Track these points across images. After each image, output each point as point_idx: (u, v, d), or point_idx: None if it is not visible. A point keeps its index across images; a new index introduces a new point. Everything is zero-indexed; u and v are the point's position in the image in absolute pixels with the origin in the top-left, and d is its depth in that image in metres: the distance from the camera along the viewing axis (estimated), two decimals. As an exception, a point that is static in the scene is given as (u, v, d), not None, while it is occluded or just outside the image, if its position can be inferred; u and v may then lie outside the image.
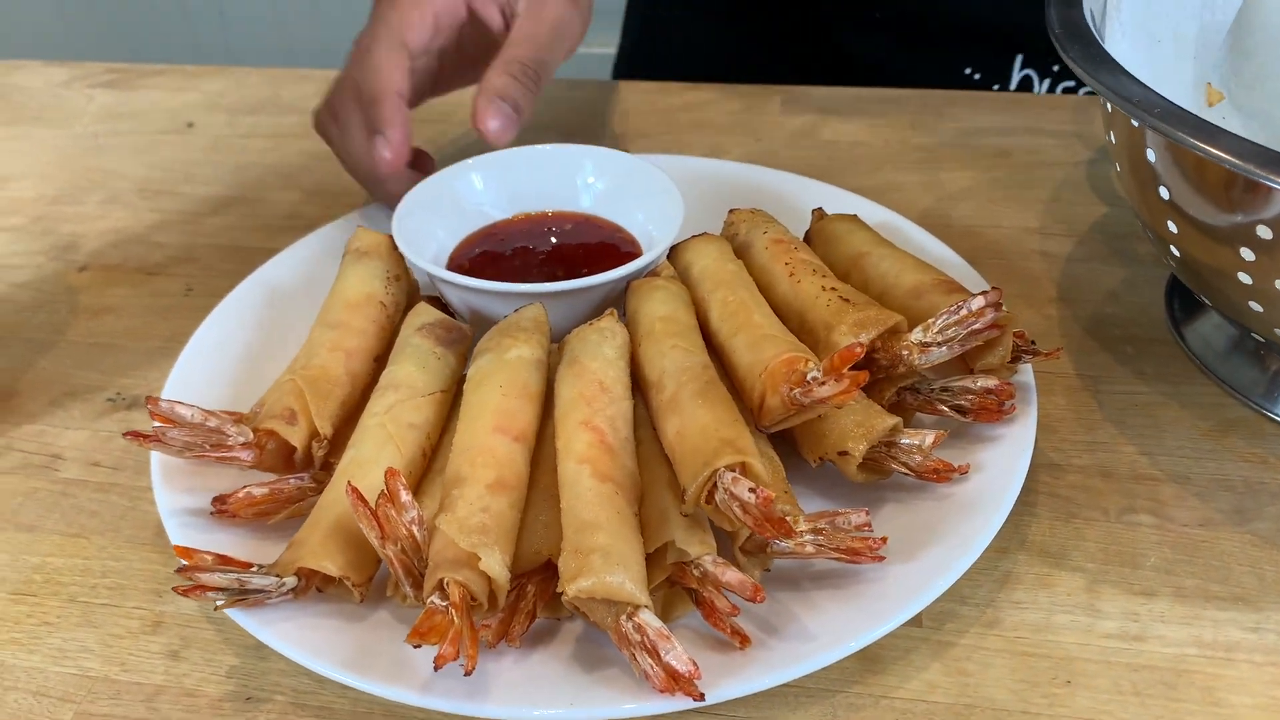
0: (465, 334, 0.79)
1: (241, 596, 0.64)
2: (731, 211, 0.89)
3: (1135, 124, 0.73)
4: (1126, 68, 0.73)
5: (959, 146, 1.13)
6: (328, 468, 0.73)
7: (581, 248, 0.88)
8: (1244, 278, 0.71)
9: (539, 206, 0.92)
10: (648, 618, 0.61)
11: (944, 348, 0.72)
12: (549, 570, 0.66)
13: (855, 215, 0.89)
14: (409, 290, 0.86)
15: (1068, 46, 0.75)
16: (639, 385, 0.75)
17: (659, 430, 0.70)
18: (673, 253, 0.84)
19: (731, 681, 0.61)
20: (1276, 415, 0.80)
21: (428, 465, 0.73)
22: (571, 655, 0.65)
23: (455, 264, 0.87)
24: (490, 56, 0.93)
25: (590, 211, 0.91)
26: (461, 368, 0.79)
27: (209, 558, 0.65)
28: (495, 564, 0.62)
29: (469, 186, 0.91)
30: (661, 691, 0.60)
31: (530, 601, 0.65)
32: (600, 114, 1.21)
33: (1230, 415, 0.81)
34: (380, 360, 0.79)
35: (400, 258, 0.85)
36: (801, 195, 0.97)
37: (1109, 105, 0.78)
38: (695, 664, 0.59)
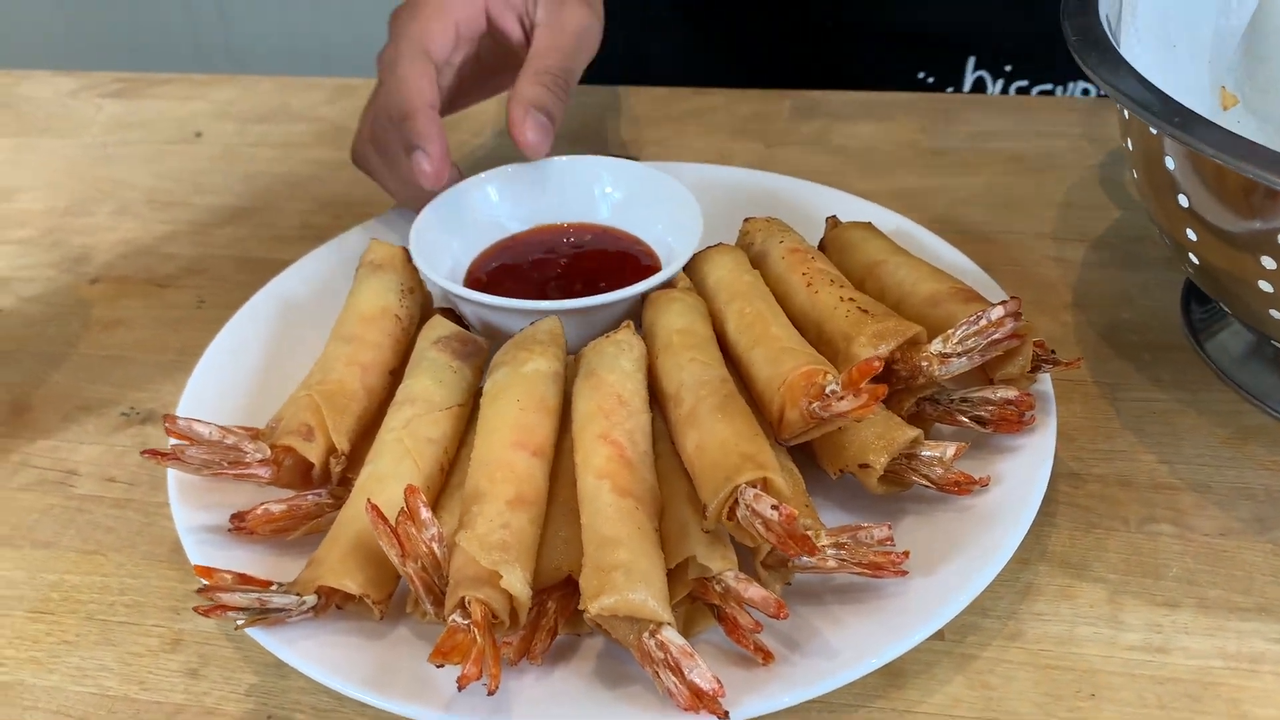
0: (481, 347, 0.79)
1: (262, 616, 0.64)
2: (747, 220, 0.89)
3: (1154, 131, 0.73)
4: (1142, 73, 0.72)
5: (970, 150, 1.13)
6: (345, 483, 0.73)
7: (599, 260, 0.87)
8: (1265, 286, 0.71)
9: (556, 218, 0.91)
10: (670, 635, 0.60)
11: (964, 358, 0.72)
12: (569, 586, 0.66)
13: (870, 223, 0.89)
14: (423, 302, 0.86)
15: (1085, 55, 0.74)
16: (656, 398, 0.74)
17: (678, 444, 0.70)
18: (688, 263, 0.84)
19: (755, 699, 0.61)
20: (1296, 422, 0.80)
21: (445, 480, 0.73)
22: (593, 672, 0.65)
23: (472, 277, 0.87)
24: (507, 68, 0.93)
25: (608, 223, 0.91)
26: (478, 381, 0.78)
27: (229, 577, 0.65)
28: (517, 581, 0.62)
29: (485, 199, 0.91)
30: (686, 710, 0.59)
31: (551, 618, 0.65)
32: (607, 120, 1.21)
33: (1249, 422, 0.81)
34: (396, 374, 0.79)
35: (415, 270, 0.85)
36: (814, 202, 0.97)
37: (1126, 112, 0.77)
38: (719, 681, 0.59)
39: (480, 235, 0.90)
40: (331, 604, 0.66)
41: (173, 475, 0.75)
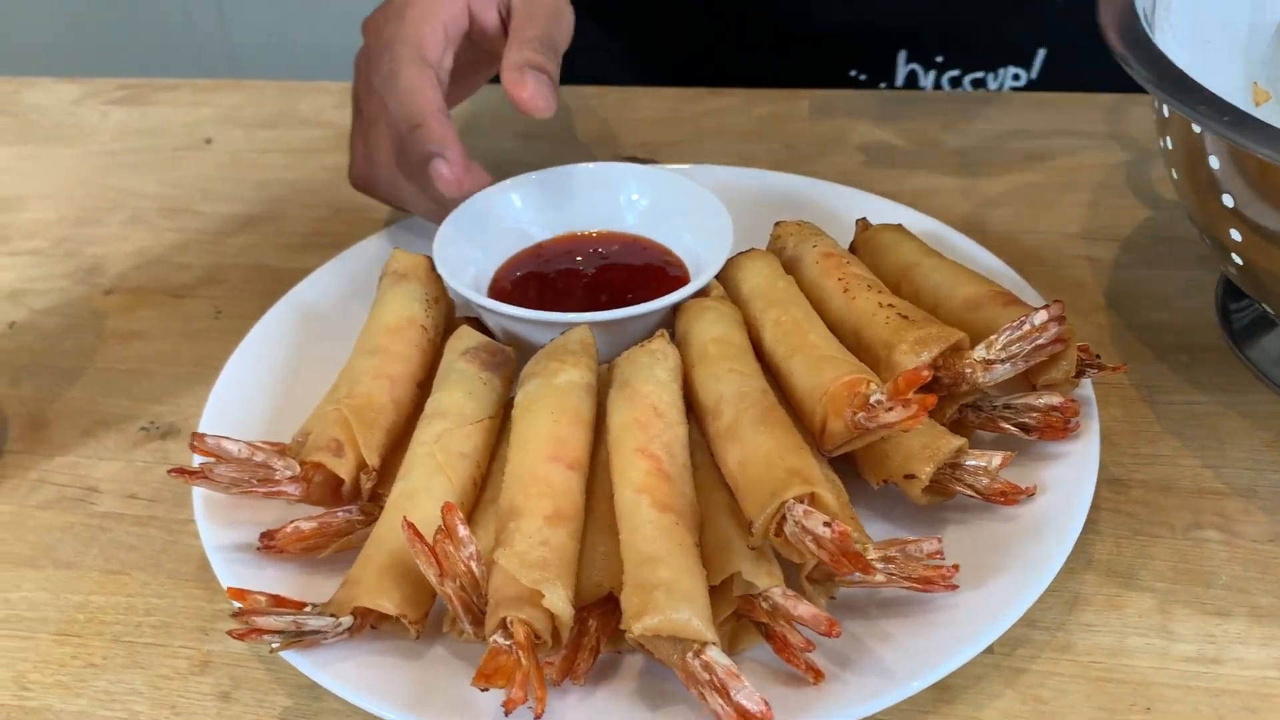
0: (510, 358, 0.77)
1: (297, 638, 0.63)
2: (778, 224, 0.87)
3: (1197, 130, 0.71)
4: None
5: (992, 149, 1.11)
6: (375, 499, 0.72)
7: (627, 270, 0.86)
8: (1313, 287, 0.69)
9: (582, 226, 0.90)
10: (715, 655, 0.59)
11: (1008, 364, 0.70)
12: (610, 603, 0.65)
13: (900, 225, 0.87)
14: (447, 312, 0.84)
15: (1126, 52, 0.73)
16: (692, 410, 0.73)
17: (718, 458, 0.68)
18: (720, 270, 0.82)
19: (805, 719, 0.60)
20: (1340, 424, 0.78)
21: (478, 494, 0.71)
22: (635, 691, 0.63)
23: (497, 286, 0.85)
24: (480, 69, 0.91)
25: (635, 231, 0.89)
26: (507, 392, 0.77)
27: (263, 599, 0.63)
28: (559, 600, 0.60)
29: (509, 207, 0.89)
30: (734, 731, 0.58)
31: (593, 637, 0.63)
32: (622, 122, 1.19)
33: (1292, 425, 0.80)
34: (423, 386, 0.77)
35: (439, 279, 0.83)
36: (839, 204, 0.95)
37: (1165, 110, 0.76)
38: (767, 704, 0.58)
39: (504, 244, 0.88)
40: (366, 624, 0.65)
41: (198, 493, 0.73)
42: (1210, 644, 0.66)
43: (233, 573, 0.69)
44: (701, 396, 0.71)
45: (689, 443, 0.70)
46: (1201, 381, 0.83)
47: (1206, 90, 0.68)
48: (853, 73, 1.29)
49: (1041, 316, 0.71)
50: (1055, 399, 0.71)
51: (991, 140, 1.13)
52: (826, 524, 0.59)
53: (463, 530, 0.62)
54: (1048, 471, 0.72)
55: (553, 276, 0.86)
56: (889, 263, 0.83)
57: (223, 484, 0.69)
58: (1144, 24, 0.77)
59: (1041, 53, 1.26)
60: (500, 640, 0.59)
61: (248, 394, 0.82)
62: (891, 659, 0.62)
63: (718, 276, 0.81)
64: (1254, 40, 0.87)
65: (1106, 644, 0.67)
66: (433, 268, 0.83)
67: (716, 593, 0.63)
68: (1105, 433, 0.79)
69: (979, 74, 1.27)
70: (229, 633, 0.63)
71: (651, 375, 0.72)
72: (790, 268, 0.82)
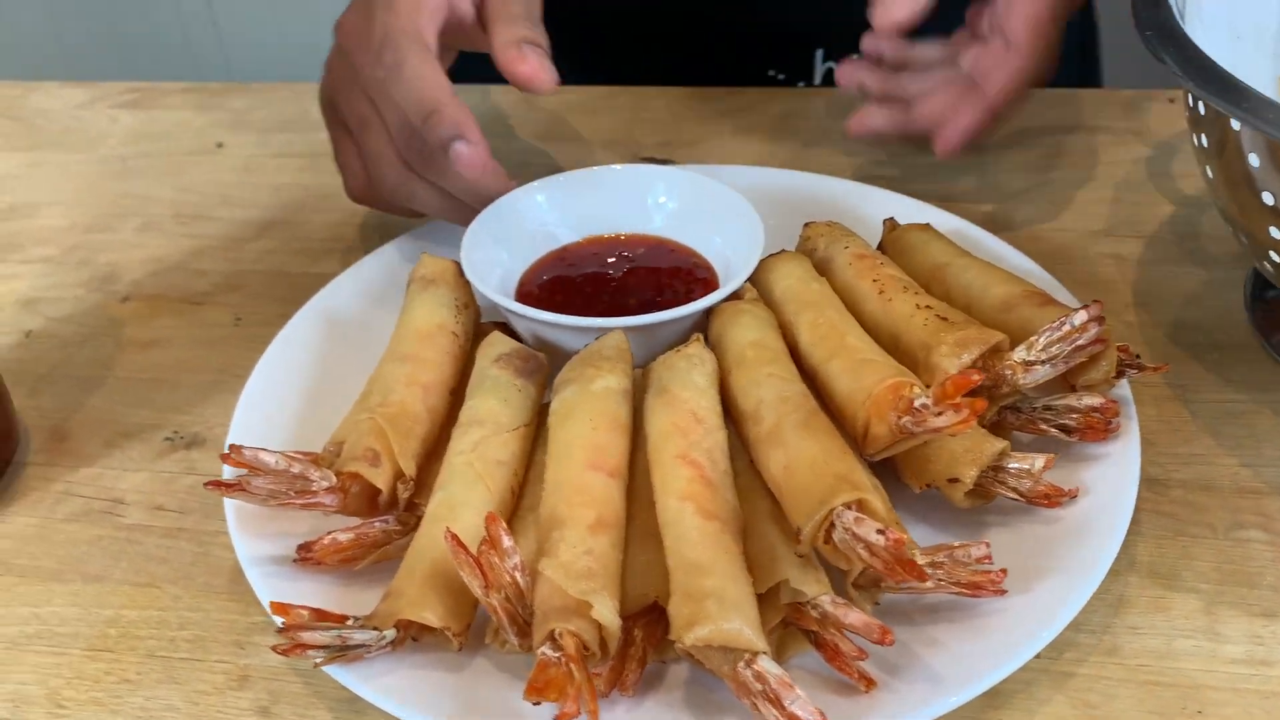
0: (543, 364, 0.77)
1: (341, 653, 0.62)
2: (807, 225, 0.87)
3: (1236, 127, 0.71)
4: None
5: (1012, 147, 1.10)
6: (412, 508, 0.71)
7: (656, 274, 0.85)
8: (1354, 285, 0.69)
9: (608, 229, 0.89)
10: (767, 664, 0.58)
11: (1048, 365, 0.70)
12: (655, 612, 0.64)
13: (929, 224, 0.87)
14: (475, 317, 0.83)
15: (1163, 49, 0.72)
16: (731, 415, 0.72)
17: (760, 464, 0.68)
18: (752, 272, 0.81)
19: (858, 727, 0.59)
20: (1376, 421, 0.78)
21: (516, 503, 0.71)
22: (684, 701, 0.63)
23: (524, 290, 0.84)
24: (448, 57, 0.90)
25: (663, 234, 0.88)
26: (541, 398, 0.76)
27: (305, 613, 0.62)
28: (607, 611, 0.59)
29: (535, 209, 0.88)
30: (790, 742, 0.57)
31: (640, 647, 0.63)
32: (638, 122, 1.18)
33: (1328, 422, 0.79)
34: (456, 393, 0.76)
35: (467, 284, 0.82)
36: (864, 204, 0.94)
37: (1201, 107, 0.75)
38: (822, 714, 0.57)
39: (531, 247, 0.87)
40: (408, 636, 0.64)
41: (230, 505, 0.72)
42: (1259, 645, 0.66)
43: (271, 587, 0.68)
44: (740, 401, 0.71)
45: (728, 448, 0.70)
46: (1235, 380, 0.83)
47: (1249, 88, 0.68)
48: (771, 73, 1.28)
49: (1081, 317, 0.70)
50: (1096, 400, 0.71)
51: (1010, 137, 1.12)
52: (880, 531, 0.58)
53: (507, 541, 0.62)
54: (1088, 473, 0.71)
55: (580, 280, 0.85)
56: (918, 263, 0.83)
57: (259, 496, 0.68)
58: (1178, 18, 0.76)
59: None
60: (549, 652, 0.58)
61: (274, 404, 0.81)
62: (941, 665, 0.62)
63: (750, 279, 0.81)
64: (1282, 35, 0.87)
65: (1154, 646, 0.66)
66: (460, 272, 0.82)
67: (763, 600, 0.62)
68: (1142, 433, 0.78)
69: None
70: (273, 648, 0.62)
71: (689, 380, 0.71)
72: (822, 269, 0.81)
